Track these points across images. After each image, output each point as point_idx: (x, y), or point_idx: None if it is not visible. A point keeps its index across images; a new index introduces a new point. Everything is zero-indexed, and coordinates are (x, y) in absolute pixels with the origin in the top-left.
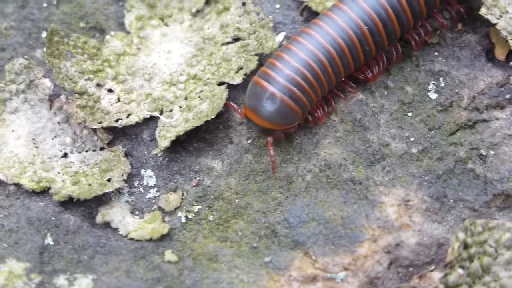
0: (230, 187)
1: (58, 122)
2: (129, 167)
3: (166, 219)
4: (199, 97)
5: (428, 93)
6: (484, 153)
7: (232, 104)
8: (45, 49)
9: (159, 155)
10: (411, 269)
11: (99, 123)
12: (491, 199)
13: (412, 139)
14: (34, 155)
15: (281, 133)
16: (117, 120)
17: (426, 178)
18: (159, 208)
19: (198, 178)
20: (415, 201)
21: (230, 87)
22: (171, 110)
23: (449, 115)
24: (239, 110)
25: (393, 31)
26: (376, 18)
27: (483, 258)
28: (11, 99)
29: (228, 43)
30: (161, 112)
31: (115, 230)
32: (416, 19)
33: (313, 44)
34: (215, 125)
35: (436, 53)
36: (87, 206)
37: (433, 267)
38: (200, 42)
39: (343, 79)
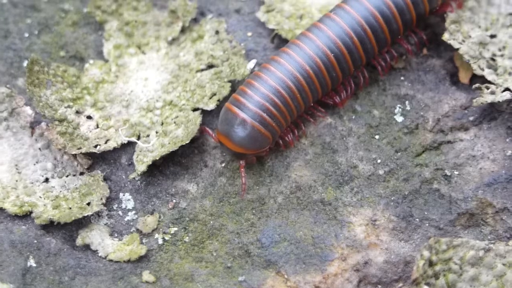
0: (205, 209)
1: (40, 148)
2: (108, 191)
3: (144, 240)
4: (174, 122)
5: (395, 116)
6: (448, 174)
7: (207, 129)
8: (26, 78)
9: (136, 179)
10: (379, 286)
11: (79, 149)
12: (456, 218)
13: (379, 161)
14: (16, 180)
15: (253, 157)
16: (96, 146)
17: (392, 198)
18: (137, 230)
19: (174, 201)
20: (382, 221)
21: (204, 112)
22: (148, 136)
23: (415, 137)
24: (213, 135)
25: (358, 58)
26: (342, 46)
27: (449, 275)
28: None
29: (202, 70)
30: (138, 138)
31: (95, 252)
32: (381, 46)
33: (281, 71)
34: (190, 150)
35: (402, 78)
36: (68, 229)
37: (400, 284)
38: (175, 69)
39: (312, 104)
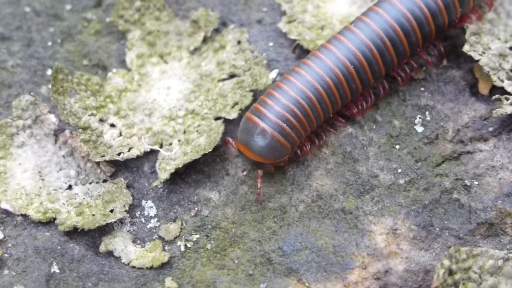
0: (227, 217)
1: (63, 156)
2: (131, 198)
3: (166, 247)
4: (197, 131)
5: (415, 127)
6: (468, 184)
7: (230, 140)
8: (50, 86)
9: (159, 186)
10: None
11: (102, 156)
12: (475, 228)
13: (399, 170)
14: (40, 187)
15: (271, 166)
16: (119, 154)
17: (413, 208)
18: (160, 237)
19: (196, 208)
20: (402, 230)
21: (226, 121)
22: (170, 144)
23: (435, 148)
24: (234, 144)
25: (378, 70)
26: (362, 58)
27: (468, 284)
28: (18, 134)
29: (224, 79)
30: (161, 146)
31: (118, 258)
32: (400, 58)
33: (302, 82)
34: (212, 158)
35: (422, 88)
36: (91, 236)
37: None
38: (197, 79)
39: (332, 115)
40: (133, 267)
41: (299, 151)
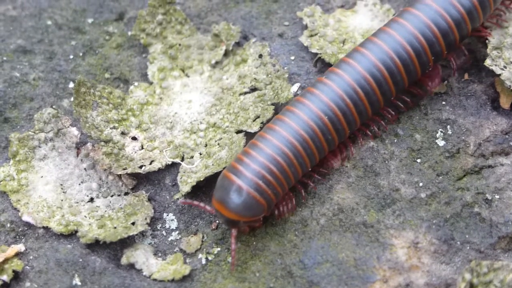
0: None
1: (85, 169)
2: (152, 211)
3: (188, 260)
4: (218, 144)
5: (436, 140)
6: (489, 198)
7: (195, 202)
8: (72, 99)
9: (180, 199)
10: None
11: (124, 169)
12: (496, 242)
13: (421, 184)
14: (62, 200)
15: (246, 226)
16: (140, 167)
17: (434, 222)
18: (181, 250)
19: (217, 221)
20: (424, 244)
21: (248, 135)
22: (191, 157)
23: (456, 161)
24: (206, 206)
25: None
26: (337, 110)
27: None
28: (40, 147)
29: (245, 93)
30: (182, 159)
31: (139, 271)
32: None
33: (278, 139)
34: None
35: (443, 102)
36: (113, 248)
37: None
38: (219, 92)
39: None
40: (155, 279)
41: (276, 211)
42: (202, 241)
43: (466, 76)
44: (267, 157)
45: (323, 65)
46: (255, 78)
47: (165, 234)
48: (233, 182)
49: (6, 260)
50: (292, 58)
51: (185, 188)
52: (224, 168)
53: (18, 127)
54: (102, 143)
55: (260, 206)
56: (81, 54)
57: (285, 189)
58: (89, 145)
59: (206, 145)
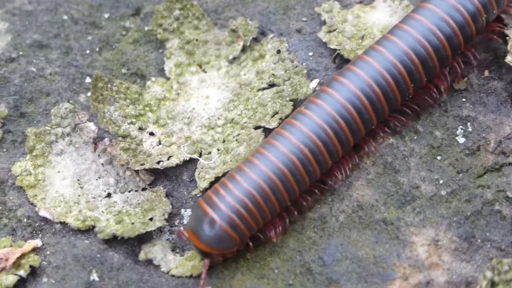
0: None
1: (102, 164)
2: (170, 207)
3: None
4: (236, 140)
5: (456, 138)
6: (510, 195)
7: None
8: (89, 94)
9: (198, 195)
10: None
11: (142, 165)
12: None
13: (441, 181)
14: (79, 195)
15: (219, 257)
16: (158, 162)
17: (455, 219)
18: None
19: None
20: (444, 241)
21: (266, 130)
22: (209, 153)
23: (477, 159)
24: (185, 234)
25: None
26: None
27: None
28: (57, 142)
29: (263, 88)
30: (200, 155)
31: (157, 267)
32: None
33: (256, 173)
34: None
35: (463, 99)
36: (130, 244)
37: None
38: (236, 88)
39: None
40: (173, 275)
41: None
42: None
43: (486, 73)
44: (244, 191)
45: (341, 61)
46: (273, 74)
47: (183, 230)
48: (207, 214)
49: (23, 255)
50: (310, 54)
51: (203, 184)
52: None
53: (35, 122)
54: (120, 138)
55: (233, 240)
56: (97, 49)
57: (260, 224)
58: (106, 140)
59: (224, 141)
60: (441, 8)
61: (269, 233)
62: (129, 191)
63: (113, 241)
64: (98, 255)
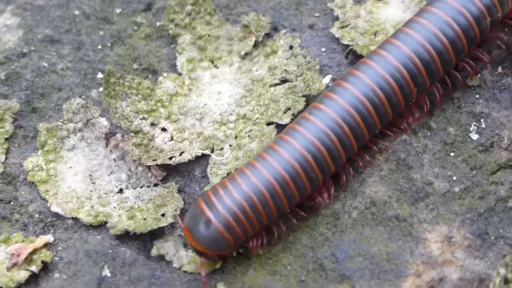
0: (279, 223)
1: (114, 159)
2: (182, 202)
3: None
4: (248, 136)
5: (470, 134)
6: None
7: (178, 217)
8: (101, 90)
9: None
10: None
11: (154, 160)
12: None
13: (454, 178)
14: (91, 191)
15: (214, 256)
16: (170, 158)
17: (468, 216)
18: None
19: None
20: (457, 238)
21: (279, 126)
22: (221, 149)
23: (490, 155)
24: (182, 224)
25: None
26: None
27: None
28: (68, 137)
29: (276, 84)
30: (212, 150)
31: (169, 263)
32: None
33: (257, 177)
34: None
35: (477, 96)
36: (142, 240)
37: None
38: (249, 84)
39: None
40: (185, 271)
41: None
42: None
43: (499, 69)
44: (243, 194)
45: (354, 57)
46: (285, 70)
47: None
48: (204, 214)
49: (35, 251)
50: (323, 49)
51: (215, 180)
52: None
53: (47, 117)
54: (132, 133)
55: (227, 242)
56: (109, 44)
57: (256, 229)
58: (118, 135)
59: (236, 137)
60: (444, 11)
61: (250, 245)
62: (141, 187)
63: (125, 236)
64: (110, 251)
